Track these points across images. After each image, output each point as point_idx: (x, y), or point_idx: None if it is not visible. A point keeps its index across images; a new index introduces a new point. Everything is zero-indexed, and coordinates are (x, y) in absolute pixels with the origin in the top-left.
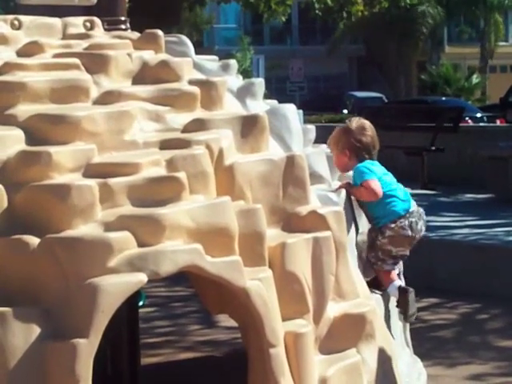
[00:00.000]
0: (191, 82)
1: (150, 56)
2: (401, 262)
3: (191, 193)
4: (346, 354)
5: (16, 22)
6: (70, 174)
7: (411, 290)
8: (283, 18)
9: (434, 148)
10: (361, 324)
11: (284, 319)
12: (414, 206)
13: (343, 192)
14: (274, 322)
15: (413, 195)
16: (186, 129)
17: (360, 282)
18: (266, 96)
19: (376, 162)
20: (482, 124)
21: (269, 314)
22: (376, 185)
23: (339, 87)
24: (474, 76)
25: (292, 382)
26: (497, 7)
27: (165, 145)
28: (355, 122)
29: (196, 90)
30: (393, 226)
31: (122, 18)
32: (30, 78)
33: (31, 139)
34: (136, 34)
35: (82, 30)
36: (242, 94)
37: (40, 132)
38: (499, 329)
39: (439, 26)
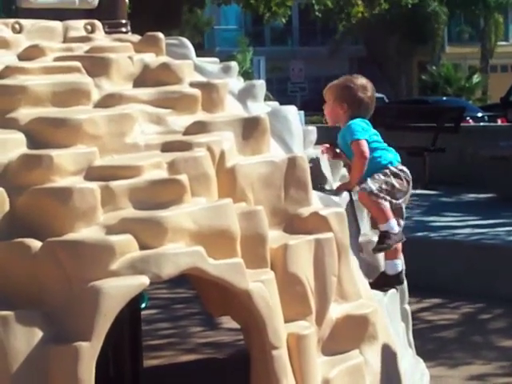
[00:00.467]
0: (192, 85)
1: (151, 59)
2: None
3: (193, 195)
4: (349, 356)
5: (17, 26)
6: (72, 177)
7: (403, 284)
8: (283, 20)
9: (435, 148)
10: (363, 325)
11: (286, 321)
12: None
13: (344, 193)
14: (276, 324)
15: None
16: (188, 131)
17: (362, 283)
18: (268, 98)
19: (368, 122)
20: (482, 124)
21: (271, 315)
22: (364, 145)
23: None
24: (475, 76)
25: None
26: (496, 7)
27: (166, 147)
28: (358, 79)
29: (197, 92)
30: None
31: (123, 21)
32: (31, 81)
33: (32, 143)
34: (137, 37)
35: (83, 33)
36: (243, 96)
37: (41, 135)
38: (502, 329)
39: (444, 25)
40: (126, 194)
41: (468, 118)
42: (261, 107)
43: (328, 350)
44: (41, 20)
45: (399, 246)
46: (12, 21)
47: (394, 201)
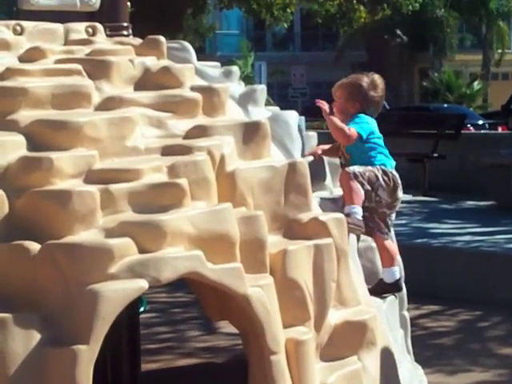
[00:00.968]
0: (193, 89)
1: (152, 62)
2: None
3: (193, 199)
4: (347, 362)
5: (18, 28)
6: (72, 180)
7: (403, 291)
8: (285, 25)
9: (435, 155)
10: (362, 331)
11: (285, 326)
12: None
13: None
14: (275, 329)
15: (414, 202)
16: (188, 135)
17: (361, 288)
18: (269, 103)
19: (374, 121)
20: (483, 131)
21: (270, 320)
22: (353, 133)
23: None
24: (476, 83)
25: None
26: (499, 15)
27: (166, 151)
28: (370, 77)
29: (198, 96)
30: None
31: (124, 24)
32: (31, 83)
33: (32, 145)
34: (138, 40)
35: (84, 36)
36: (244, 101)
37: (41, 138)
38: (500, 336)
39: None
40: (125, 198)
41: (469, 126)
42: (261, 112)
43: (326, 356)
44: (42, 22)
45: (395, 252)
46: (13, 22)
47: (373, 194)
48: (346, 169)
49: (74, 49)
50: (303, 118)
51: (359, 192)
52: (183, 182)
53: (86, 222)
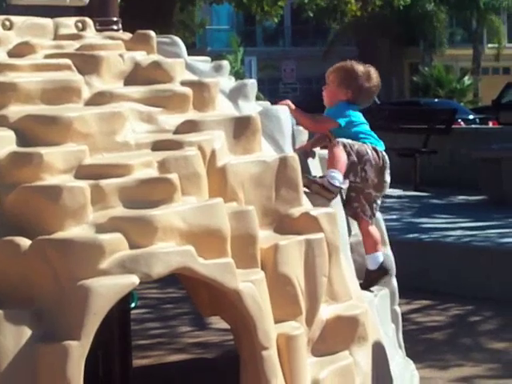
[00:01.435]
0: (183, 83)
1: (142, 57)
2: (392, 262)
3: (183, 194)
4: (339, 357)
5: (7, 23)
6: (62, 176)
7: (391, 272)
8: (276, 20)
9: (426, 150)
10: (353, 326)
11: (276, 321)
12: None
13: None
14: (266, 325)
15: (405, 197)
16: (178, 130)
17: (353, 283)
18: (259, 98)
19: (359, 113)
20: (474, 126)
21: (261, 316)
22: (329, 123)
23: None
24: (466, 77)
25: None
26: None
27: (157, 146)
28: (365, 67)
29: (188, 91)
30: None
31: (114, 19)
32: (21, 78)
33: (22, 140)
34: (128, 35)
35: (74, 31)
36: (235, 96)
37: (31, 133)
38: (492, 331)
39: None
40: (116, 193)
41: (459, 121)
42: (252, 107)
43: (318, 351)
44: (31, 17)
45: (378, 239)
46: (2, 17)
47: (359, 168)
48: (337, 139)
49: (64, 44)
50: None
51: (342, 159)
52: (174, 177)
53: (77, 217)
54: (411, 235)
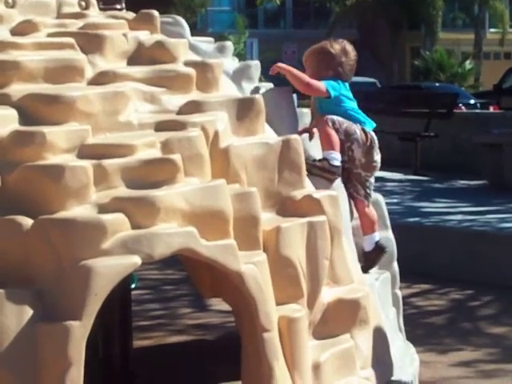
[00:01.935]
0: (187, 64)
1: (146, 36)
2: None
3: (186, 175)
4: (340, 340)
5: (10, 1)
6: (64, 155)
7: (387, 249)
8: (278, 1)
9: (427, 134)
10: (355, 309)
11: (278, 304)
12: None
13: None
14: (268, 307)
15: (406, 181)
16: (182, 111)
17: (355, 267)
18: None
19: (347, 86)
20: (476, 110)
21: (263, 298)
22: (316, 83)
23: None
24: (467, 62)
25: (285, 367)
26: None
27: (160, 126)
28: (339, 43)
29: (192, 71)
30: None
31: None
32: (24, 57)
33: (25, 119)
34: (131, 14)
35: (77, 10)
36: (238, 77)
37: (34, 112)
38: (491, 315)
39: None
40: (118, 173)
41: (460, 105)
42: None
43: (319, 334)
44: None
45: (375, 220)
46: None
47: (346, 146)
48: (326, 116)
49: (67, 22)
50: (295, 95)
51: (335, 138)
52: (177, 157)
53: (79, 197)
54: (411, 219)
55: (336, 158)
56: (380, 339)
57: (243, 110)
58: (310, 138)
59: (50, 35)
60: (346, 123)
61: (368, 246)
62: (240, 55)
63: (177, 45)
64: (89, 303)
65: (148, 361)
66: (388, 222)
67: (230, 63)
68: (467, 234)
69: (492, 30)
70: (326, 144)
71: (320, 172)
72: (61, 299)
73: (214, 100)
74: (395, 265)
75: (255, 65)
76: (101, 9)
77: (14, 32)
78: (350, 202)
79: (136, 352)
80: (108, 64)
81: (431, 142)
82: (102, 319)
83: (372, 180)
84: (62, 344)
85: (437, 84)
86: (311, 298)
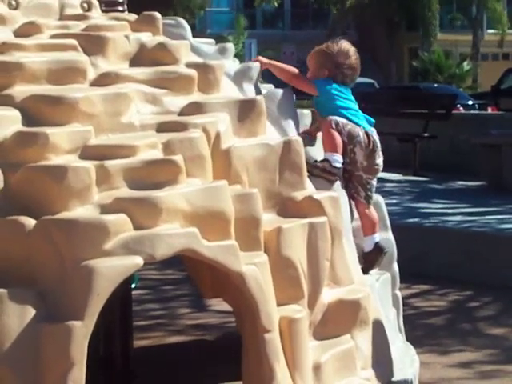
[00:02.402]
0: (188, 65)
1: (148, 38)
2: (394, 247)
3: (188, 176)
4: (340, 340)
5: (13, 2)
6: (67, 156)
7: (386, 250)
8: (275, 3)
9: (426, 135)
10: (355, 310)
11: (278, 304)
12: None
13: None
14: (269, 307)
15: (405, 181)
16: (183, 112)
17: (355, 267)
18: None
19: (346, 90)
20: (474, 111)
21: (264, 298)
22: (304, 82)
23: None
24: (465, 63)
25: (286, 368)
26: None
27: (162, 128)
28: (340, 44)
29: (193, 73)
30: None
31: (120, 0)
32: (27, 58)
33: (28, 120)
34: (133, 16)
35: (80, 11)
36: (239, 78)
37: (37, 113)
38: (490, 316)
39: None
40: (120, 174)
41: (459, 106)
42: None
43: (319, 335)
44: None
45: (375, 221)
46: None
47: (349, 149)
48: (329, 117)
49: (70, 24)
50: (293, 96)
51: (338, 140)
52: (178, 158)
53: (82, 197)
54: (411, 220)
55: (338, 161)
56: (380, 340)
57: (244, 111)
58: (311, 139)
59: (53, 37)
60: (349, 125)
61: (368, 247)
62: (239, 56)
63: (179, 46)
64: (91, 303)
65: (147, 360)
66: (388, 223)
67: (231, 65)
68: (466, 235)
69: (490, 31)
70: (329, 145)
71: (321, 173)
72: (63, 299)
73: (215, 101)
74: (395, 266)
75: (256, 66)
76: (103, 11)
77: (17, 33)
78: (350, 203)
79: (136, 352)
80: (110, 65)
81: (429, 142)
82: (103, 318)
83: (374, 182)
84: (64, 344)
85: (435, 85)
86: (312, 298)
